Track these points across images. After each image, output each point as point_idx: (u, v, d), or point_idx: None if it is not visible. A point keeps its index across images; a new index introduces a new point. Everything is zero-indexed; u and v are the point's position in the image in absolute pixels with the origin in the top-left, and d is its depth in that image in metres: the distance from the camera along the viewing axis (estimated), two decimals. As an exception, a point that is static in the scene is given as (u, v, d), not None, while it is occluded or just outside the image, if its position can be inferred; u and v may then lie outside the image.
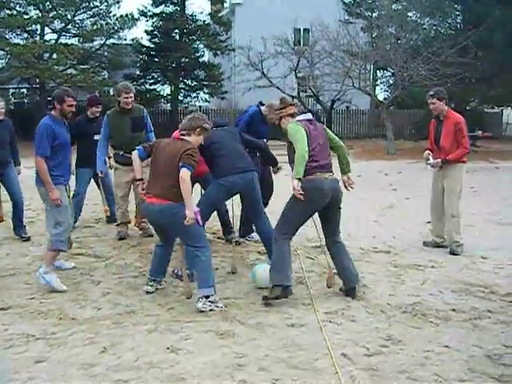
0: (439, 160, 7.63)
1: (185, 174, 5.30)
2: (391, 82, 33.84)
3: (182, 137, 5.72)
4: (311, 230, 8.27)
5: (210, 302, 5.38)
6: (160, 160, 5.62)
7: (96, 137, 8.28)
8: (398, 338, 4.73)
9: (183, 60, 31.72)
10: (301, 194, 5.38)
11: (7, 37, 30.69)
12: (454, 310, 5.45)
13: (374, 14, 32.64)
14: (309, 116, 5.93)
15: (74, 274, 6.61)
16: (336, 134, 6.16)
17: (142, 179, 5.89)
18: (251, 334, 4.80)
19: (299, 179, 5.40)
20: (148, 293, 5.84)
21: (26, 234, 8.34)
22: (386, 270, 6.79)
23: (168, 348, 4.52)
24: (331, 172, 5.72)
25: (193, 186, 5.87)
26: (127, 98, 7.85)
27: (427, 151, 7.90)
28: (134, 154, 5.85)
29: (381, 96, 35.31)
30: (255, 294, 5.87)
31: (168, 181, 5.44)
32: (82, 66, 31.92)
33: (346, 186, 6.03)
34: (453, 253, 7.58)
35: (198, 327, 4.87)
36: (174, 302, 5.62)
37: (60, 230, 6.12)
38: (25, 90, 38.00)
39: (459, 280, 6.40)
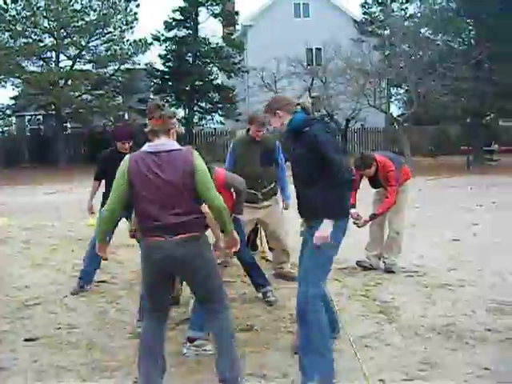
0: (367, 218, 7.06)
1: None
2: (405, 98, 33.81)
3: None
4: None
5: (195, 346, 4.84)
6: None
7: None
8: (436, 362, 4.60)
9: (197, 83, 31.95)
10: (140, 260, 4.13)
11: (23, 65, 31.17)
12: (489, 330, 5.30)
13: (387, 32, 32.69)
14: (161, 146, 3.97)
15: (100, 301, 6.55)
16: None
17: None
18: (283, 361, 4.71)
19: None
20: None
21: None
22: (416, 291, 6.66)
23: None
24: (182, 232, 3.89)
25: None
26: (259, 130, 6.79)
27: (353, 210, 6.85)
28: None
29: (395, 113, 35.29)
30: (280, 316, 5.76)
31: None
32: (97, 92, 32.39)
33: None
34: (389, 270, 7.39)
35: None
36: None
37: None
38: (41, 117, 38.38)
39: (491, 299, 6.24)
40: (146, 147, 4.02)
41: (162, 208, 3.88)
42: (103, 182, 7.37)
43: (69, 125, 37.71)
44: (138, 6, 32.93)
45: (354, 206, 7.09)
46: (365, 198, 7.66)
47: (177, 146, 4.05)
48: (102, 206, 7.16)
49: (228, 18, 33.59)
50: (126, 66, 33.76)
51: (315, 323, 4.29)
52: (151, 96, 33.53)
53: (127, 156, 4.04)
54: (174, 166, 3.91)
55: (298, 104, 4.59)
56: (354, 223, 6.95)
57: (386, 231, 7.65)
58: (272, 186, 7.06)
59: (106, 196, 7.08)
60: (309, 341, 4.30)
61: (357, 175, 7.28)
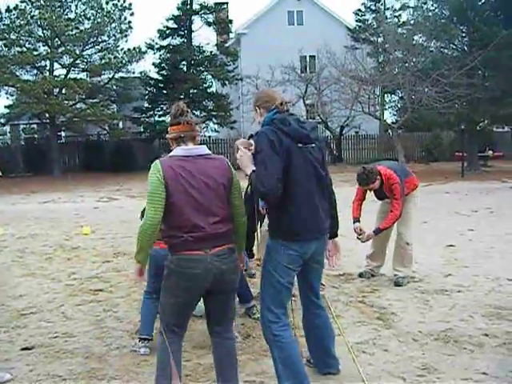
0: (371, 233, 6.96)
1: None
2: (399, 105, 33.90)
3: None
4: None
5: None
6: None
7: None
8: (434, 367, 4.61)
9: (191, 91, 31.94)
10: (169, 275, 3.70)
11: (17, 73, 31.13)
12: (486, 335, 5.31)
13: (380, 39, 32.80)
14: (196, 150, 3.74)
15: (97, 310, 6.52)
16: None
17: None
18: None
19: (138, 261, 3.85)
20: None
21: None
22: (413, 297, 6.67)
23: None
24: (221, 243, 3.66)
25: None
26: None
27: (356, 224, 7.04)
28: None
29: (389, 120, 35.36)
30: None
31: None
32: (91, 100, 32.33)
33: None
34: (398, 284, 7.12)
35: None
36: (197, 349, 5.49)
37: None
38: (35, 126, 38.34)
39: (488, 304, 6.27)
40: (177, 151, 3.70)
41: (203, 216, 3.58)
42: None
43: (63, 133, 37.69)
44: (132, 14, 32.90)
45: (358, 220, 7.08)
46: (369, 206, 7.66)
47: (208, 151, 3.81)
48: None
49: (222, 26, 33.59)
50: (121, 74, 33.70)
51: (274, 351, 4.05)
52: (145, 104, 33.49)
53: (157, 161, 3.65)
54: (215, 170, 3.68)
55: (274, 103, 4.11)
56: (358, 238, 7.01)
57: (391, 241, 7.53)
58: None
59: None
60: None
61: (360, 190, 7.26)
